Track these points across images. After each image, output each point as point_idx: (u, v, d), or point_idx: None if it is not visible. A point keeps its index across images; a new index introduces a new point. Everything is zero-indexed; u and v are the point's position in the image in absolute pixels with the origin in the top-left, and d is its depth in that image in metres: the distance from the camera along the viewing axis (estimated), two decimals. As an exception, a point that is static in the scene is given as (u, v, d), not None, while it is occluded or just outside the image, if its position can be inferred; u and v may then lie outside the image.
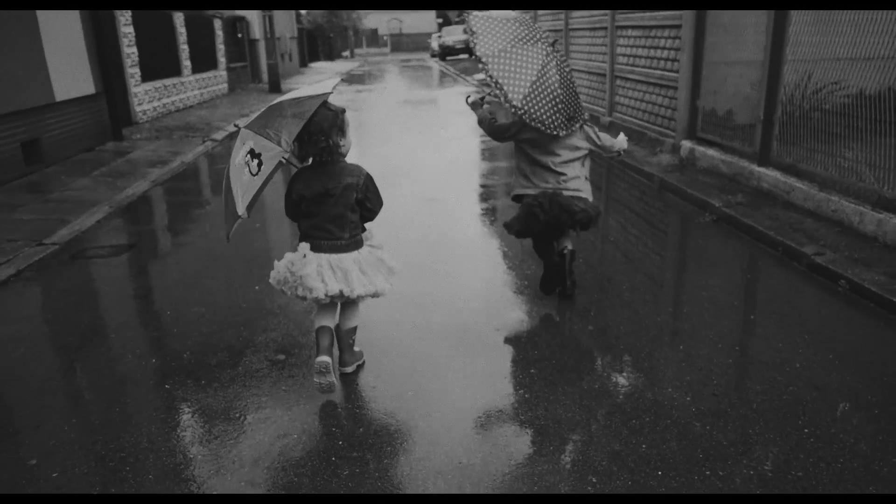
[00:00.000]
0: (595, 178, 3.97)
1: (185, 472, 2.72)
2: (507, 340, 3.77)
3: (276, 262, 3.17)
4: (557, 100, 3.85)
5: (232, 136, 10.94)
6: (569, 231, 4.06)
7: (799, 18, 5.69)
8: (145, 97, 12.55)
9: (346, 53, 52.44)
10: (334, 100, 3.13)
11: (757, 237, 5.22)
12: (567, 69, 4.02)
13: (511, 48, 3.87)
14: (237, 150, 2.97)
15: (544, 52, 3.91)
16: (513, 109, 3.80)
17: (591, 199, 4.06)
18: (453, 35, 37.45)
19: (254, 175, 2.85)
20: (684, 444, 2.80)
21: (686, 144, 7.54)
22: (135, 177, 8.15)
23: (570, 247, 4.06)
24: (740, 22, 6.53)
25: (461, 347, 3.68)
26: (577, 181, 4.02)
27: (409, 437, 2.91)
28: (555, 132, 3.85)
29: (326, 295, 3.04)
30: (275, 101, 3.03)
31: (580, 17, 11.02)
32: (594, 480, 2.59)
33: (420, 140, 10.96)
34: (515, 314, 4.11)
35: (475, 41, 3.91)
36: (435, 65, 34.05)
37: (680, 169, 7.29)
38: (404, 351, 3.66)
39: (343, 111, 3.07)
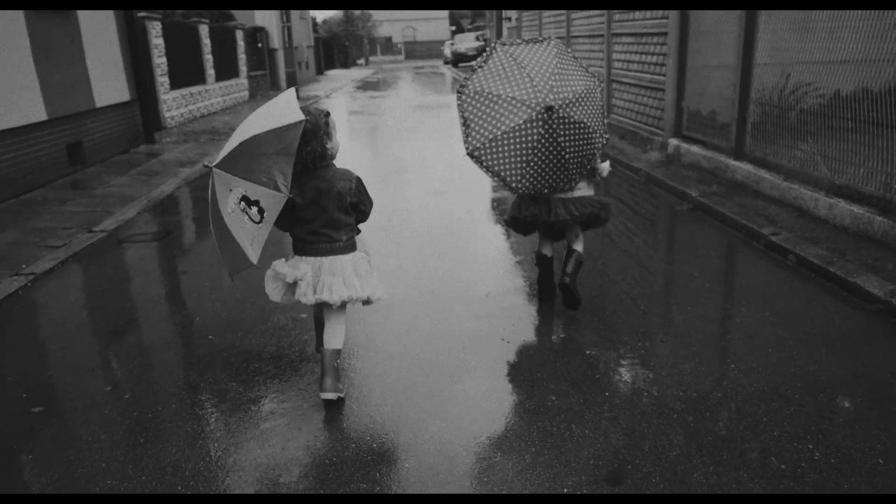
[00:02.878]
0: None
1: (230, 394, 3.41)
2: (492, 303, 4.44)
3: (268, 274, 3.27)
4: (527, 163, 3.66)
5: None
6: (576, 229, 4.09)
7: (776, 27, 6.29)
8: (173, 104, 13.40)
9: (361, 61, 53.43)
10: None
11: (725, 222, 5.85)
12: (564, 140, 3.63)
13: (501, 135, 3.61)
14: (223, 195, 2.88)
15: (545, 126, 3.59)
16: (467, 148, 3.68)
17: (591, 193, 4.02)
18: (465, 42, 38.37)
19: (257, 223, 2.82)
20: (630, 373, 3.45)
21: (672, 142, 8.19)
22: (167, 175, 8.92)
23: (578, 248, 4.12)
24: (718, 29, 7.17)
25: (452, 307, 4.36)
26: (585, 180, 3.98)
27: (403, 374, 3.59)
28: (518, 191, 3.78)
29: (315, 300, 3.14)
30: (245, 135, 2.90)
31: (580, 25, 11.70)
32: (553, 399, 3.25)
33: (429, 141, 11.66)
34: (498, 280, 4.78)
35: (467, 132, 3.69)
36: (447, 71, 34.82)
37: (666, 164, 7.93)
38: (405, 307, 4.34)
39: (327, 114, 3.08)
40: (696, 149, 7.66)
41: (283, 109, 2.93)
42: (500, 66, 3.72)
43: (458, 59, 37.71)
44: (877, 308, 4.01)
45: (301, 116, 2.86)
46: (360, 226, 3.32)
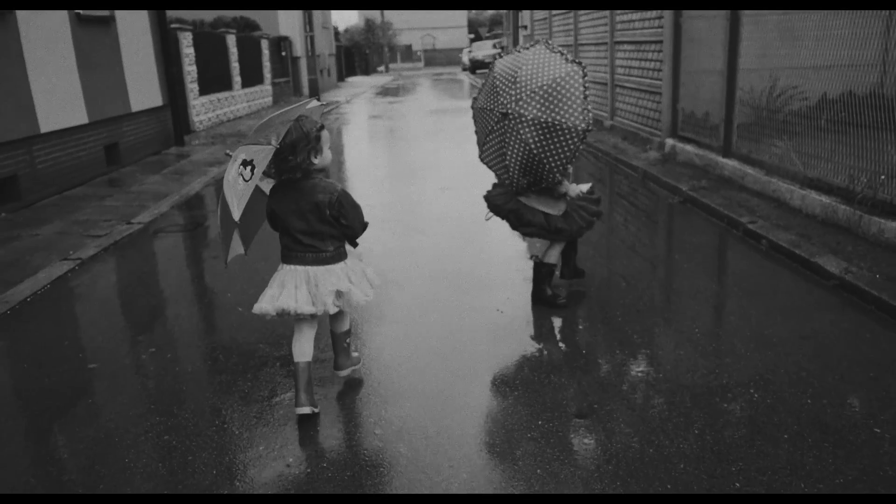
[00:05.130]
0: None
1: (259, 353, 3.94)
2: (491, 280, 4.95)
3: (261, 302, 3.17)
4: (484, 140, 4.16)
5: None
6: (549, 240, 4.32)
7: (764, 35, 6.71)
8: (202, 109, 14.13)
9: (382, 68, 54.27)
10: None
11: (710, 212, 6.31)
12: (506, 146, 3.93)
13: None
14: (228, 169, 3.01)
15: (497, 124, 3.98)
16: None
17: (552, 212, 4.16)
18: (483, 50, 39.08)
19: (247, 181, 2.89)
20: (607, 336, 3.94)
21: (669, 142, 8.65)
22: (197, 174, 9.56)
23: (540, 257, 4.37)
24: (707, 37, 7.64)
25: (455, 283, 4.88)
26: (541, 194, 4.14)
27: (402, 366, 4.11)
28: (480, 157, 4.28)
29: (310, 312, 3.09)
30: (263, 120, 3.07)
31: (586, 33, 12.22)
32: (537, 355, 3.75)
33: (442, 143, 12.21)
34: (498, 262, 5.29)
35: (478, 91, 4.24)
36: (465, 78, 35.41)
37: (663, 162, 8.40)
38: (413, 284, 4.87)
39: (320, 127, 3.04)
40: (689, 148, 8.12)
41: (302, 105, 3.14)
42: (516, 58, 3.98)
43: (475, 66, 38.37)
44: (833, 284, 4.46)
45: (316, 102, 3.11)
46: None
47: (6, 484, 2.84)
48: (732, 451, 2.80)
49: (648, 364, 3.60)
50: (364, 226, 3.20)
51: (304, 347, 3.21)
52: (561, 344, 3.90)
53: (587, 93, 3.80)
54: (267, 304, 3.12)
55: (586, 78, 3.83)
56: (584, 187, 4.08)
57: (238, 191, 2.92)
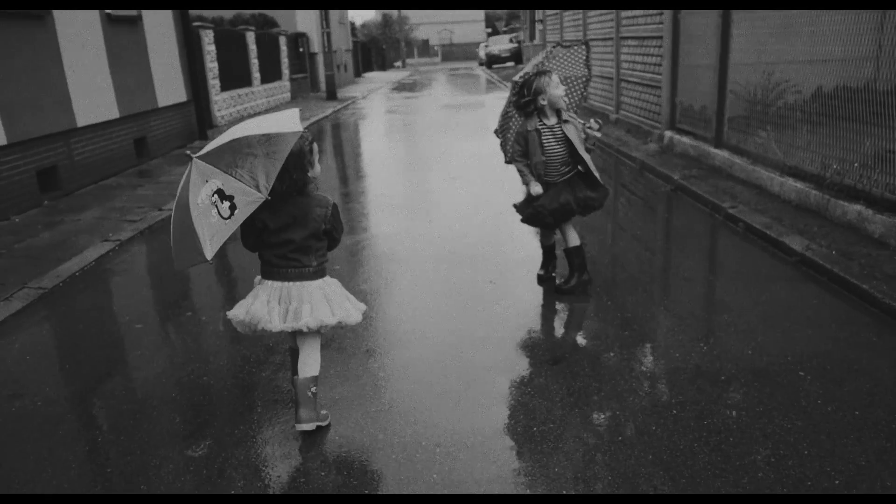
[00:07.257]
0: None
1: (280, 316, 4.54)
2: (486, 257, 5.49)
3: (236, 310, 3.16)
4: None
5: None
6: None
7: (760, 30, 7.11)
8: (223, 104, 14.79)
9: (398, 63, 54.81)
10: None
11: (697, 199, 6.80)
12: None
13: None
14: (196, 186, 2.74)
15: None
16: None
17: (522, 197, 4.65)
18: (499, 44, 39.35)
19: (225, 219, 2.72)
20: (584, 301, 4.48)
21: (667, 134, 9.12)
22: (221, 166, 10.19)
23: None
24: (704, 33, 8.09)
25: (454, 259, 5.43)
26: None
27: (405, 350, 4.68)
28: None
29: (281, 329, 3.01)
30: (237, 134, 2.78)
31: (594, 28, 12.67)
32: (521, 315, 4.29)
33: (453, 136, 12.74)
34: (495, 241, 5.83)
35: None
36: (482, 73, 35.83)
37: (661, 153, 8.87)
38: (418, 260, 5.43)
39: (312, 141, 2.97)
40: (686, 139, 8.59)
41: (282, 120, 2.90)
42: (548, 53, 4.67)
43: (491, 61, 38.64)
44: (795, 260, 4.94)
45: (299, 129, 2.83)
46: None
47: (78, 415, 3.45)
48: (675, 388, 3.33)
49: (615, 323, 4.12)
50: (342, 233, 3.23)
51: (305, 361, 3.09)
52: (542, 308, 4.44)
53: (509, 110, 4.56)
54: (238, 309, 3.14)
55: (514, 99, 4.42)
56: (536, 190, 4.37)
57: (211, 225, 2.73)
